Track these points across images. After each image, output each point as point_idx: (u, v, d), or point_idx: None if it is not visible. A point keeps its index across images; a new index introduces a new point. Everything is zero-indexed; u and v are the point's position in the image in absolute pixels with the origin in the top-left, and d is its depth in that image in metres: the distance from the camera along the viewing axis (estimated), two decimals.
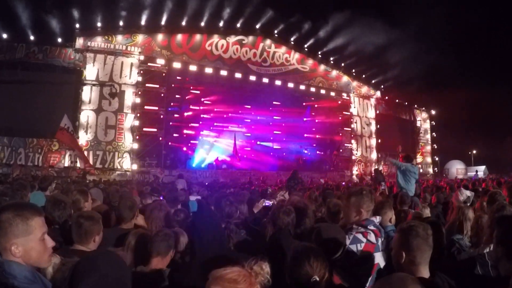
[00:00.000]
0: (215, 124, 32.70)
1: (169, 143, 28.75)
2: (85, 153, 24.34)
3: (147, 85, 26.47)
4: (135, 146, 25.81)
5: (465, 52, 34.79)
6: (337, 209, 4.62)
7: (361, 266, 3.10)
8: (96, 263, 1.98)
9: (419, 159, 41.18)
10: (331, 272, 2.65)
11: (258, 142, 35.24)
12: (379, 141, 37.64)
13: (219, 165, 30.16)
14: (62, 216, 4.16)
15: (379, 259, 3.20)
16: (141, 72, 26.45)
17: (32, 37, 24.55)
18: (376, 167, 32.56)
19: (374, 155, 37.04)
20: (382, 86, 38.54)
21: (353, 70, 36.33)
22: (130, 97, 26.08)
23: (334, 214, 4.63)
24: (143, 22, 26.64)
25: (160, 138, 27.04)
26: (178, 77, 28.52)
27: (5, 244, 2.07)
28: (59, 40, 25.16)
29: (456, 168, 42.36)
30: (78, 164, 23.87)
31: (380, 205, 4.18)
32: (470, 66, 38.87)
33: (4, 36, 24.07)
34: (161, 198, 7.63)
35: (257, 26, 30.99)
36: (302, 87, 33.31)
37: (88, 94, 25.16)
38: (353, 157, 36.03)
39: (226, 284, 1.76)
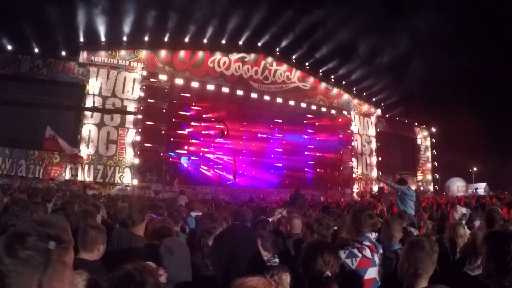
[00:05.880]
0: (216, 140, 32.59)
1: (170, 159, 28.75)
2: (86, 167, 24.49)
3: (149, 100, 26.64)
4: (136, 161, 25.85)
5: (464, 69, 34.84)
6: None
7: (356, 280, 3.16)
8: None
9: (419, 176, 41.18)
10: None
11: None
12: (380, 159, 37.71)
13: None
14: None
15: (375, 274, 3.26)
16: (144, 87, 26.67)
17: (36, 50, 24.74)
18: (381, 185, 32.53)
19: (374, 173, 37.04)
20: (382, 104, 38.77)
21: (354, 88, 36.59)
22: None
23: None
24: (146, 38, 26.95)
25: (161, 154, 27.08)
26: (180, 93, 28.60)
27: None
28: (63, 53, 25.42)
29: (457, 186, 42.18)
30: (79, 178, 23.94)
31: (389, 224, 4.26)
32: (469, 83, 39.04)
33: (9, 47, 24.30)
34: (154, 216, 7.43)
35: (259, 44, 31.35)
36: (303, 105, 33.55)
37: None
38: (354, 175, 36.04)
39: None
